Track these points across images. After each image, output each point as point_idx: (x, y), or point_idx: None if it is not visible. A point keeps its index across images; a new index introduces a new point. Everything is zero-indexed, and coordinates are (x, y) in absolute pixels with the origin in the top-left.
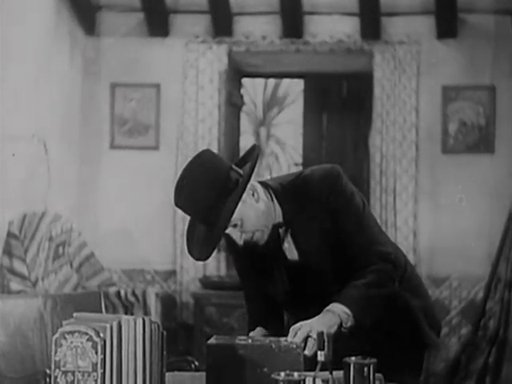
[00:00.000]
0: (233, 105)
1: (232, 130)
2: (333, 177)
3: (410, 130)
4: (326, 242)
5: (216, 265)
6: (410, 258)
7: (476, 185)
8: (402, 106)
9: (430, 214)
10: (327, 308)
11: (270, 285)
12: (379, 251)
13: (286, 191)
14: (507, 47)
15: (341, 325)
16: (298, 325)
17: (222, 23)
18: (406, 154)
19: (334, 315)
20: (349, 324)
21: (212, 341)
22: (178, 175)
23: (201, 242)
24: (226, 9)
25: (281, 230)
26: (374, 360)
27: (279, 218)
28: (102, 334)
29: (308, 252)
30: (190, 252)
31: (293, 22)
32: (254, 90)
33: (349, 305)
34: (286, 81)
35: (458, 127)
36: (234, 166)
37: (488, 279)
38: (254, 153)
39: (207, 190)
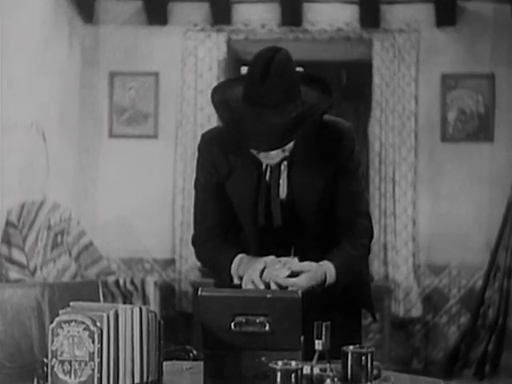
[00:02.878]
0: None
1: None
2: (352, 139)
3: (409, 119)
4: (320, 194)
5: None
6: (410, 246)
7: (475, 173)
8: (401, 95)
9: (429, 203)
10: (319, 263)
11: (246, 212)
12: (366, 225)
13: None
14: (506, 35)
15: (324, 283)
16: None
17: (220, 11)
18: (405, 142)
19: (322, 274)
20: (327, 283)
21: (204, 293)
22: (255, 67)
23: (266, 130)
24: None
25: (283, 165)
26: (372, 349)
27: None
28: (98, 323)
29: (297, 197)
30: (249, 139)
31: (292, 10)
32: None
33: (338, 268)
34: None
35: (457, 115)
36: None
37: (487, 268)
38: (325, 85)
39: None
